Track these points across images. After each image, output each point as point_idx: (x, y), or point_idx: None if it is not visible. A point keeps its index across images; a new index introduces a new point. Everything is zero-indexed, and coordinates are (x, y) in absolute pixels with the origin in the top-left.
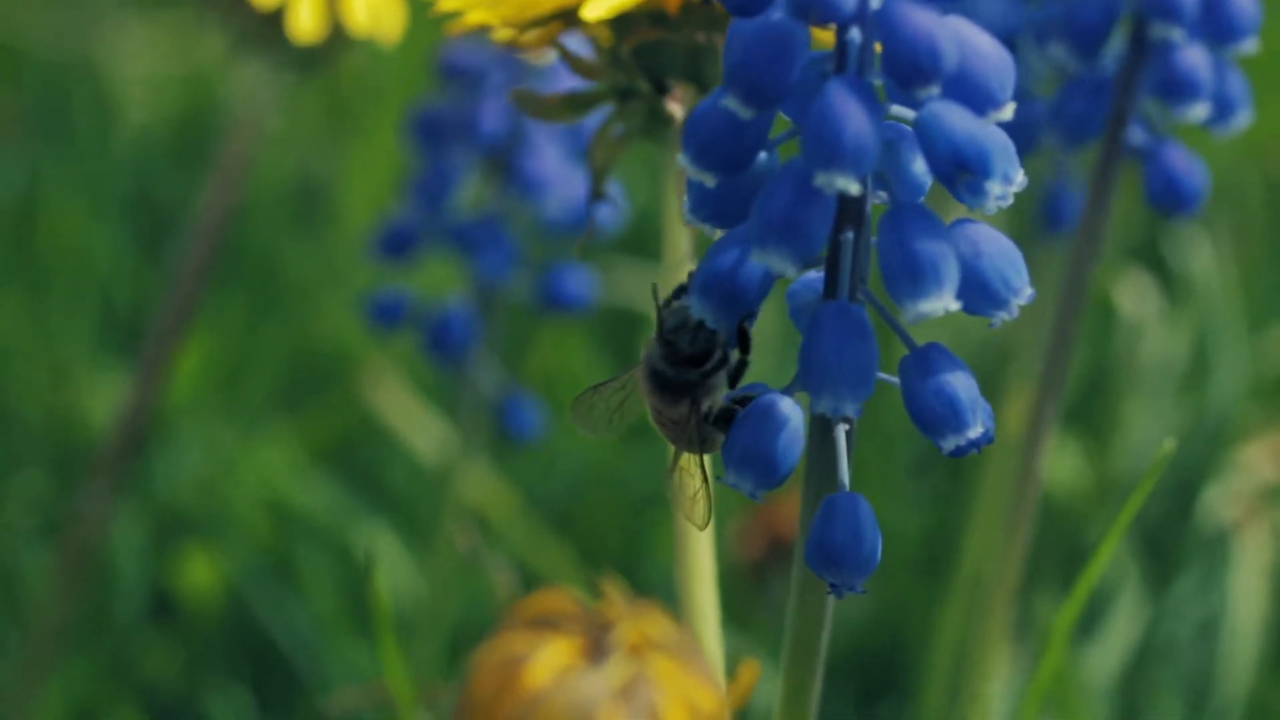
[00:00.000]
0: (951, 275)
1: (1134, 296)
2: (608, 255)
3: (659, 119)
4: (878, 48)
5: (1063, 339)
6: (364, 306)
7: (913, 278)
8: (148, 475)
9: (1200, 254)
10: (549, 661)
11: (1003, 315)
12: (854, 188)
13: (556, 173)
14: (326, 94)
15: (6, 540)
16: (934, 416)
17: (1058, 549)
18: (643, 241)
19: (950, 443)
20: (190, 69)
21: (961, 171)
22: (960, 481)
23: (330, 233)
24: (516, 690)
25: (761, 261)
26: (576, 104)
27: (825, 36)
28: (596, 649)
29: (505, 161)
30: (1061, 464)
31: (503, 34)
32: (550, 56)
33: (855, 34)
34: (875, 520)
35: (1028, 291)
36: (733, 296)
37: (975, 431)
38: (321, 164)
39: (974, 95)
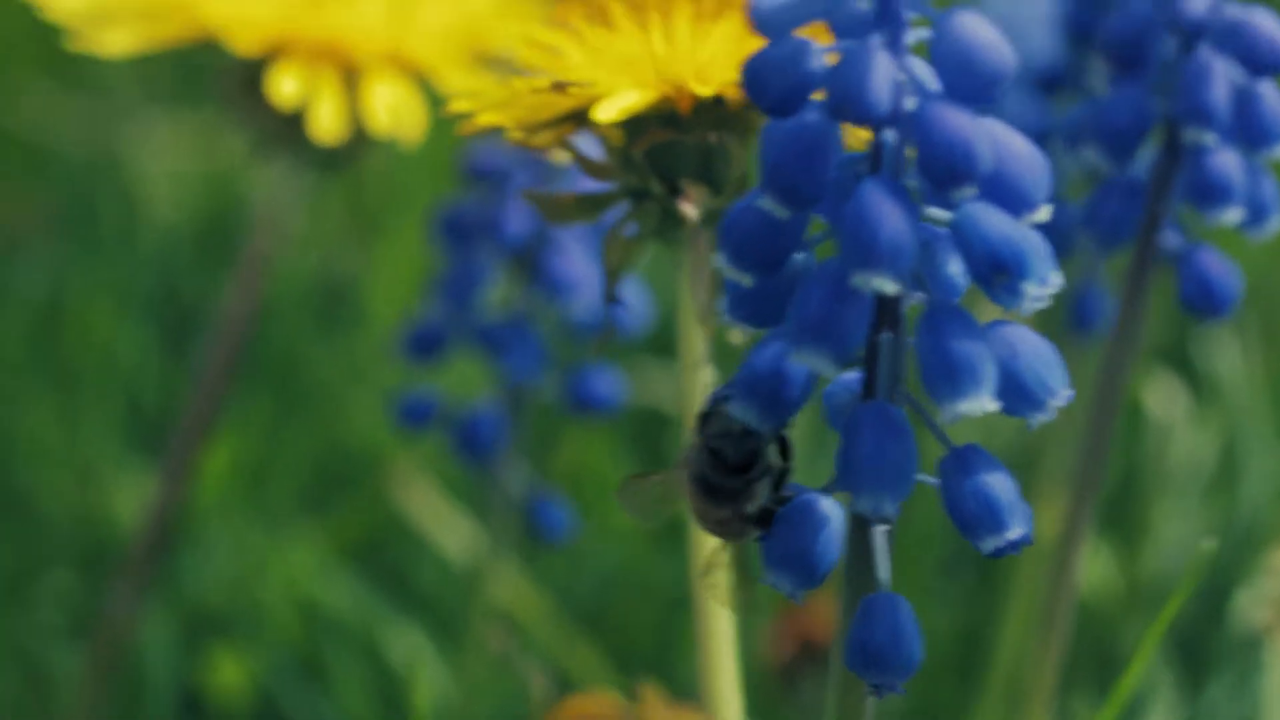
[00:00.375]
0: (989, 376)
1: (1162, 398)
2: (635, 355)
3: (672, 220)
4: (910, 153)
5: (1098, 443)
6: (392, 407)
7: (951, 378)
8: (176, 574)
9: (1229, 355)
10: None
11: (1040, 417)
12: (890, 288)
13: (583, 273)
14: (351, 193)
15: (35, 640)
16: (973, 517)
17: (1090, 651)
18: (670, 341)
19: (989, 544)
20: (214, 166)
21: (998, 273)
22: (993, 582)
23: (355, 332)
24: None
25: (799, 362)
26: (590, 205)
27: (859, 137)
28: None
29: (531, 261)
30: (1092, 566)
31: (515, 135)
32: (565, 157)
33: (890, 135)
34: (915, 620)
35: (1066, 393)
36: (774, 398)
37: (1014, 533)
38: (346, 263)
39: (1010, 197)
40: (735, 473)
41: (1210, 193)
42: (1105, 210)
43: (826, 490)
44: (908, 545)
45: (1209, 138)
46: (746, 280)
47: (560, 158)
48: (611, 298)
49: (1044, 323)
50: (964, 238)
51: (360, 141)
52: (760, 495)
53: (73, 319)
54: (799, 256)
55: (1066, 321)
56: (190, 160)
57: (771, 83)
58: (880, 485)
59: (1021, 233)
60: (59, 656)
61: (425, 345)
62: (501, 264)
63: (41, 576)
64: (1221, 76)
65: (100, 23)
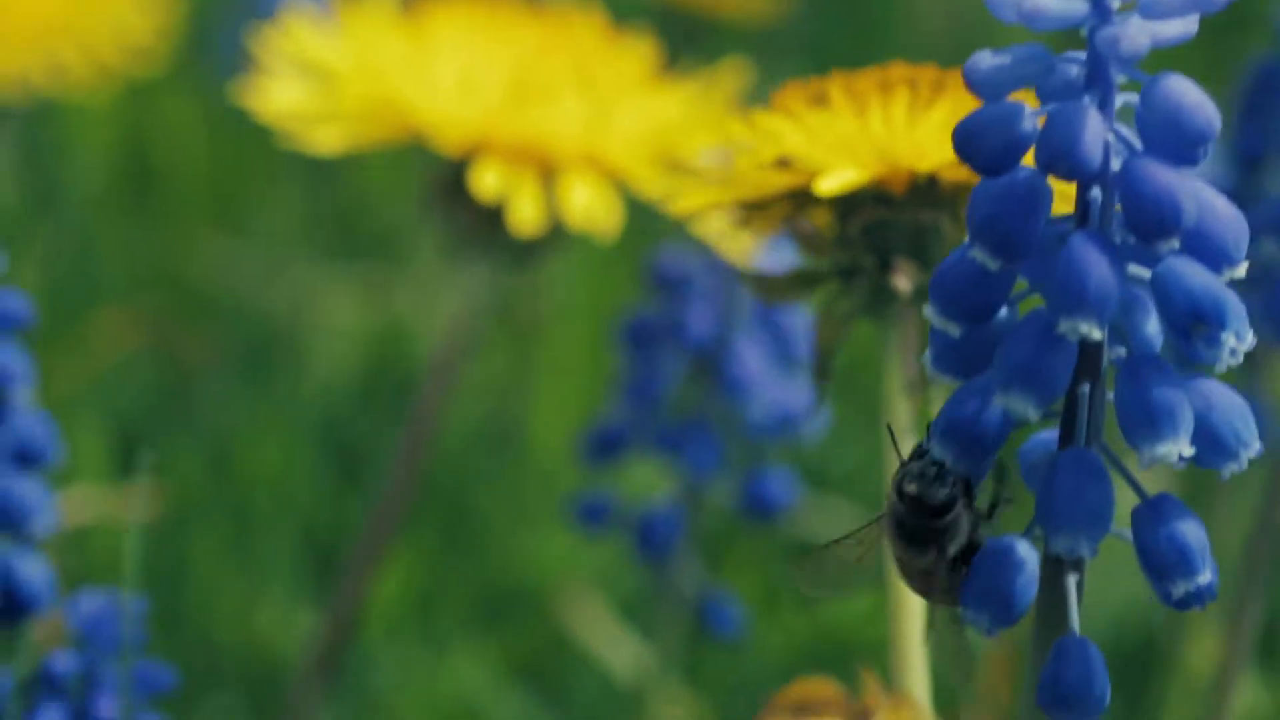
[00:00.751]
0: (1187, 421)
1: None
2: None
3: (883, 296)
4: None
5: (1256, 572)
6: (572, 508)
7: (1151, 422)
8: (347, 693)
9: None
10: None
11: (1232, 467)
12: (1096, 334)
13: (762, 376)
14: (516, 339)
15: None
16: (1166, 562)
17: None
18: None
19: (1180, 588)
20: (380, 320)
21: (1198, 324)
22: (1143, 712)
23: (521, 469)
24: None
25: (1004, 404)
26: (802, 282)
27: (1065, 199)
28: None
29: (712, 364)
30: (1243, 693)
31: (731, 216)
32: (763, 251)
33: (1096, 193)
34: (1105, 662)
35: (1257, 445)
36: (973, 440)
37: (1204, 577)
38: (512, 404)
39: (1210, 252)
40: (934, 514)
41: None
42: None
43: (1025, 534)
44: None
45: None
46: (954, 330)
47: (770, 242)
48: (822, 375)
49: None
50: (1165, 289)
51: (552, 242)
52: (959, 536)
53: (245, 453)
54: (1004, 312)
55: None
56: (356, 312)
57: (985, 142)
58: (1076, 526)
59: (1221, 286)
60: None
61: (607, 446)
62: (683, 368)
63: (209, 700)
64: None
65: (312, 123)
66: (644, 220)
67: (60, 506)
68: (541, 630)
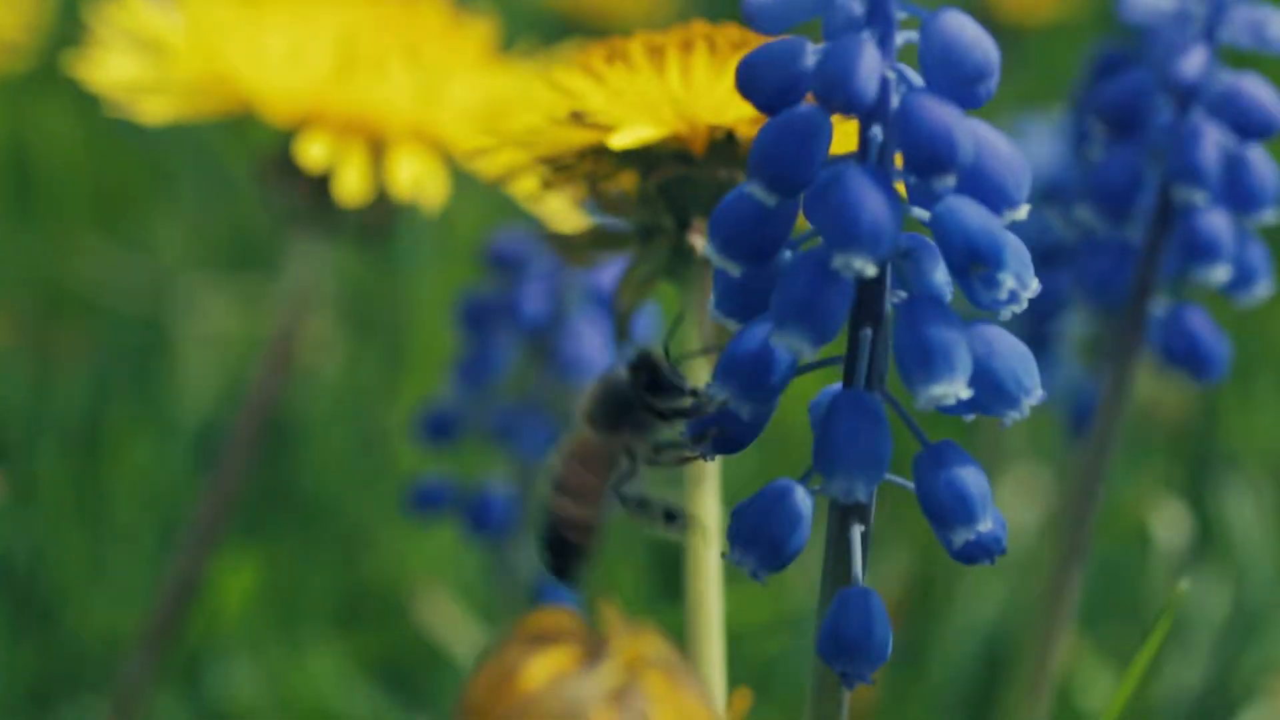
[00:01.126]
0: (964, 362)
1: (1170, 527)
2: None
3: (683, 256)
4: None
5: (1085, 507)
6: (408, 494)
7: (926, 362)
8: (199, 681)
9: (1239, 499)
10: (544, 667)
11: (1014, 415)
12: (870, 270)
13: (596, 355)
14: (383, 348)
15: None
16: (946, 509)
17: None
18: None
19: (961, 536)
20: (260, 327)
21: (975, 263)
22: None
23: (384, 472)
24: (511, 693)
25: (780, 343)
26: (603, 242)
27: (846, 138)
28: (592, 659)
29: (547, 345)
30: (1095, 691)
31: (535, 178)
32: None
33: (876, 131)
34: (886, 613)
35: (1039, 393)
36: (753, 378)
37: (984, 525)
38: (379, 412)
39: (990, 193)
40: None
41: (1199, 251)
42: (1096, 268)
43: (802, 480)
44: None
45: (1199, 197)
46: (735, 270)
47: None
48: (623, 336)
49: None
50: (943, 229)
51: (385, 217)
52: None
53: (111, 450)
54: (786, 254)
55: (1065, 424)
56: (234, 321)
57: (765, 77)
58: (852, 468)
59: (1000, 227)
60: None
61: (441, 429)
62: (518, 349)
63: (66, 700)
64: (1212, 139)
65: (143, 93)
66: (506, 212)
67: None
68: (398, 629)
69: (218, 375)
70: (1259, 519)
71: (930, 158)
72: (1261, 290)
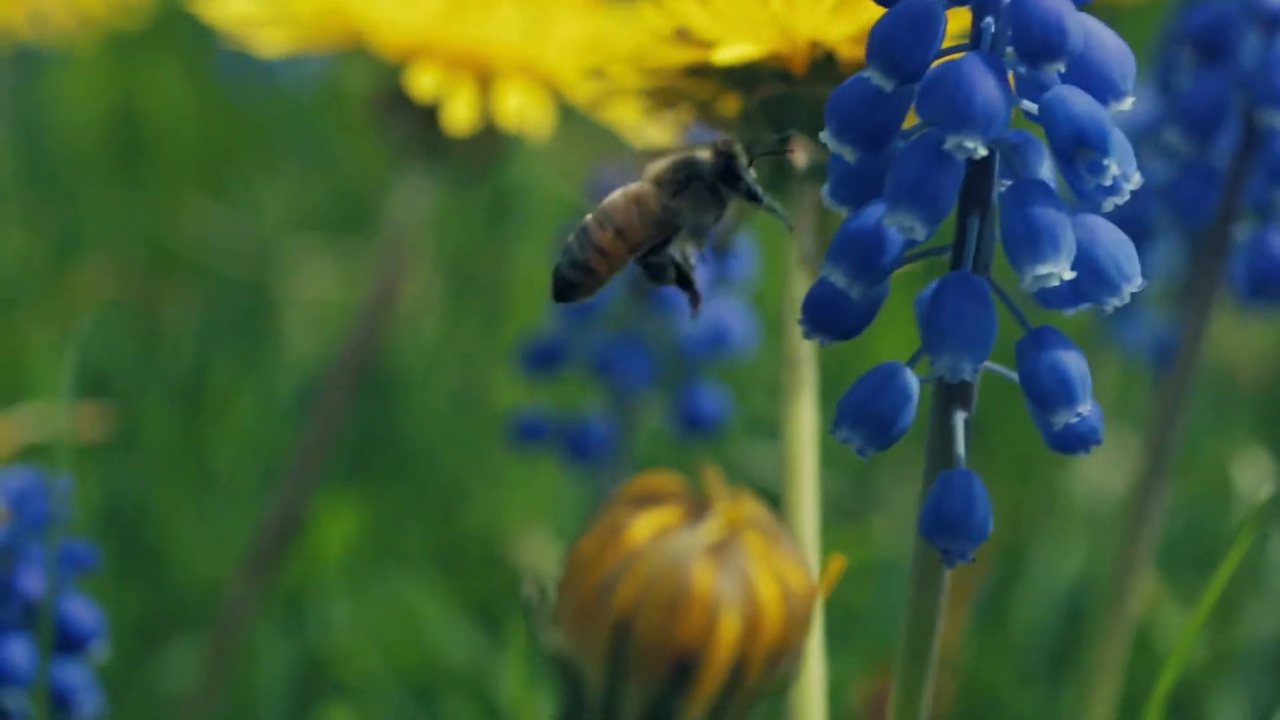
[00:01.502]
0: (1069, 243)
1: (1253, 478)
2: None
3: (784, 173)
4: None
5: (1178, 401)
6: (509, 426)
7: (1032, 242)
8: (298, 619)
9: None
10: (648, 523)
11: (1114, 301)
12: (981, 151)
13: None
14: (484, 302)
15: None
16: (1046, 390)
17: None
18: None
19: (1061, 417)
20: (354, 290)
21: (1082, 148)
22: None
23: (485, 429)
24: (617, 547)
25: (893, 222)
26: None
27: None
28: (695, 517)
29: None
30: (1177, 634)
31: (637, 100)
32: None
33: (989, 21)
34: (987, 494)
35: (1139, 280)
36: (867, 259)
37: (1085, 408)
38: (478, 363)
39: (1097, 83)
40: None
41: None
42: (1185, 191)
43: (910, 363)
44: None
45: None
46: (850, 155)
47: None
48: (724, 249)
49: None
50: (1051, 114)
51: (492, 155)
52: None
53: (215, 403)
54: (899, 141)
55: (1149, 369)
56: (336, 284)
57: None
58: (960, 346)
59: (1105, 114)
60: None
61: (544, 359)
62: (620, 286)
63: (169, 633)
64: None
65: (259, 26)
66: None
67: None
68: (497, 574)
69: (319, 333)
70: None
71: (1042, 43)
72: None
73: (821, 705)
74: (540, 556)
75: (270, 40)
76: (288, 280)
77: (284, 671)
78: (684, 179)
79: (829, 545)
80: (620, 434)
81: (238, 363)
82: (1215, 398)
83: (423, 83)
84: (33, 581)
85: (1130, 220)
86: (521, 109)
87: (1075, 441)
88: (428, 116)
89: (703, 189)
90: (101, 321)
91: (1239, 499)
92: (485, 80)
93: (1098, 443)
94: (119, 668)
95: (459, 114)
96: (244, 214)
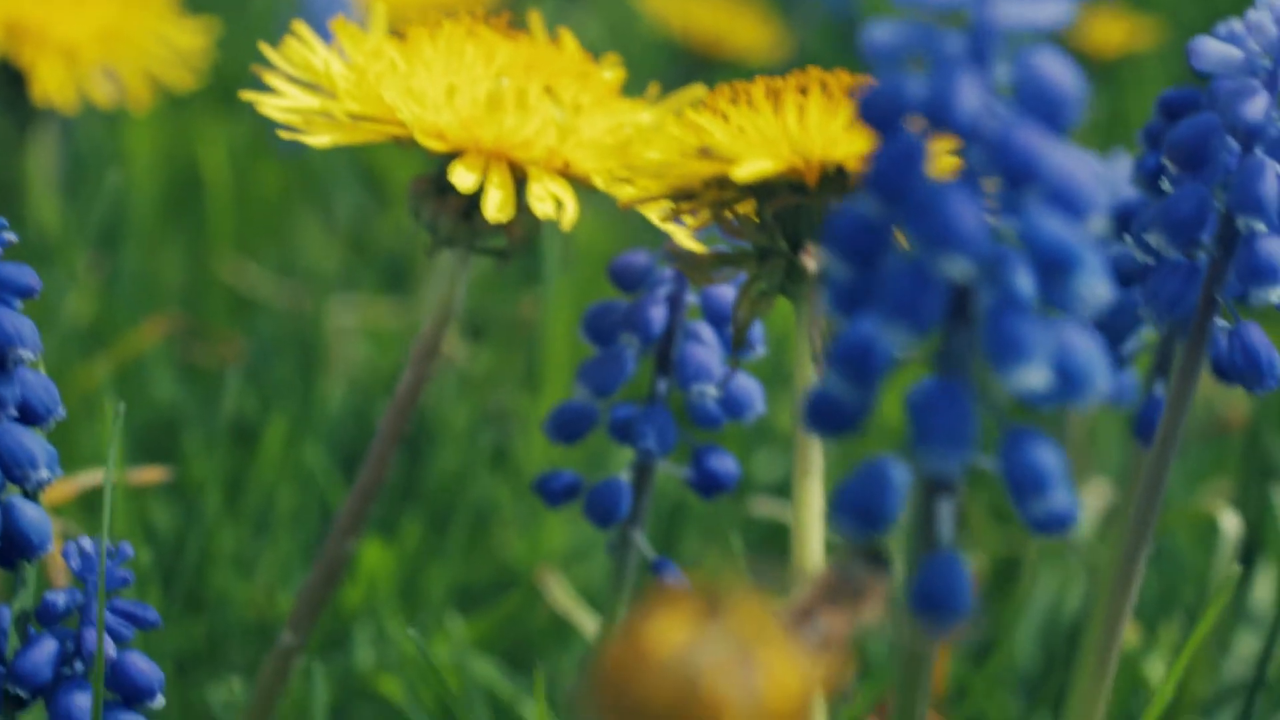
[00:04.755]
0: (1044, 351)
1: (1233, 521)
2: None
3: (795, 275)
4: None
5: (1156, 485)
6: (541, 485)
7: (1014, 349)
8: (334, 652)
9: None
10: (665, 636)
11: (1084, 404)
12: (965, 271)
13: (713, 364)
14: (517, 354)
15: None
16: (1026, 486)
17: None
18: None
19: (1038, 508)
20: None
21: (1056, 268)
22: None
23: (516, 465)
24: (637, 663)
25: (884, 334)
26: (723, 261)
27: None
28: (708, 627)
29: (667, 352)
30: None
31: (666, 204)
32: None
33: (972, 155)
34: (970, 575)
35: (1106, 387)
36: (861, 365)
37: (1061, 499)
38: (511, 404)
39: (1070, 205)
40: None
41: (1260, 273)
42: (1166, 288)
43: (898, 456)
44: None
45: (1260, 225)
46: (845, 273)
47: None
48: (740, 344)
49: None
50: (1028, 240)
51: (527, 233)
52: None
53: (268, 443)
54: (890, 260)
55: (1133, 430)
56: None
57: (877, 106)
58: (944, 447)
59: (1079, 237)
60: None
61: (572, 426)
62: (642, 355)
63: (219, 673)
64: (1273, 174)
65: (310, 122)
66: (634, 235)
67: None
68: (529, 611)
69: (364, 382)
70: None
71: (1022, 169)
72: None
73: None
74: (568, 593)
75: (320, 136)
76: (335, 331)
77: (326, 705)
78: None
79: None
80: (642, 493)
81: (285, 409)
82: (1196, 449)
83: (463, 178)
84: (96, 640)
85: (1114, 310)
86: (553, 200)
87: (1053, 525)
88: (468, 201)
89: None
90: (157, 372)
91: (1223, 545)
92: (519, 172)
93: (1073, 526)
94: (168, 709)
95: (496, 205)
96: (295, 268)
